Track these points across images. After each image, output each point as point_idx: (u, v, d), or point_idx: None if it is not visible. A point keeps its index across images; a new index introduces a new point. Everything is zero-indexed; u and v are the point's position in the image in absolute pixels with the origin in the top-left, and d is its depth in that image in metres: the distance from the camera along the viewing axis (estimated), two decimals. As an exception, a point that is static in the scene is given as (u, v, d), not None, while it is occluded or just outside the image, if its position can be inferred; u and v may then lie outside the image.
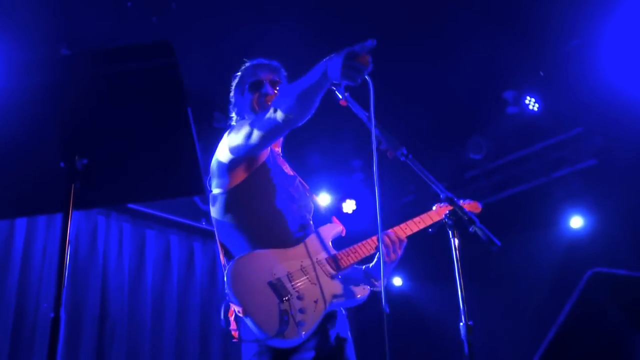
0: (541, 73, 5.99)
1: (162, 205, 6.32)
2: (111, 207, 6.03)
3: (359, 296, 2.72)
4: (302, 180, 3.00)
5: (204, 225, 6.58)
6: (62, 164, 1.86)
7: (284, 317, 2.47)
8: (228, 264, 2.62)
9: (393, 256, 2.77)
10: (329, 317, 2.66)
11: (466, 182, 7.15)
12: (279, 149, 3.04)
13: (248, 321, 2.47)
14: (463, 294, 2.14)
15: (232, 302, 2.52)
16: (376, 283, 2.82)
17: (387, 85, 3.30)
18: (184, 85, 1.80)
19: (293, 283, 2.59)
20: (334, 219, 2.96)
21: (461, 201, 3.01)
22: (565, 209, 6.82)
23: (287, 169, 2.96)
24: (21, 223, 5.46)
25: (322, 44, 3.00)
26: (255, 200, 2.74)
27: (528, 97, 6.16)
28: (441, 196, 2.35)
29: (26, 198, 1.97)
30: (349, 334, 2.75)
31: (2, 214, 2.48)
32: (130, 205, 6.12)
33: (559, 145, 6.69)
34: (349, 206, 7.29)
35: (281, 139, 3.01)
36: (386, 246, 2.74)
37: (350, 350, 2.71)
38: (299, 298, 2.55)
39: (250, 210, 2.73)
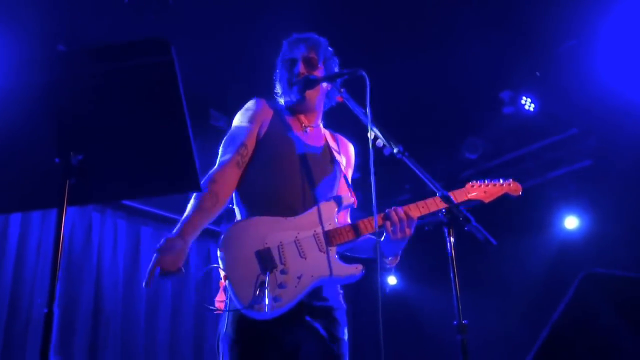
0: (537, 73, 6.00)
1: (158, 202, 6.31)
2: (106, 204, 6.01)
3: (348, 275, 2.59)
4: (337, 153, 2.94)
5: (199, 222, 6.55)
6: (57, 160, 1.86)
7: (260, 290, 2.43)
8: None
9: (400, 235, 2.62)
10: (313, 310, 2.57)
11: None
12: (308, 123, 2.94)
13: (228, 287, 2.47)
14: (458, 292, 2.14)
15: (220, 266, 2.52)
16: (385, 259, 2.73)
17: (383, 84, 3.30)
18: (181, 82, 1.80)
19: (282, 255, 2.54)
20: (349, 190, 2.88)
21: (501, 180, 2.99)
22: (560, 209, 6.84)
23: (310, 140, 2.88)
24: (15, 218, 5.44)
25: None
26: (257, 170, 2.74)
27: (524, 98, 6.17)
28: (437, 194, 2.34)
29: (21, 194, 1.96)
30: (344, 334, 2.65)
31: (-4, 209, 2.47)
32: (126, 202, 6.11)
33: (554, 146, 6.70)
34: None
35: (317, 113, 2.97)
36: (393, 224, 2.61)
37: (341, 351, 2.59)
38: (283, 272, 2.51)
39: (252, 180, 2.74)
